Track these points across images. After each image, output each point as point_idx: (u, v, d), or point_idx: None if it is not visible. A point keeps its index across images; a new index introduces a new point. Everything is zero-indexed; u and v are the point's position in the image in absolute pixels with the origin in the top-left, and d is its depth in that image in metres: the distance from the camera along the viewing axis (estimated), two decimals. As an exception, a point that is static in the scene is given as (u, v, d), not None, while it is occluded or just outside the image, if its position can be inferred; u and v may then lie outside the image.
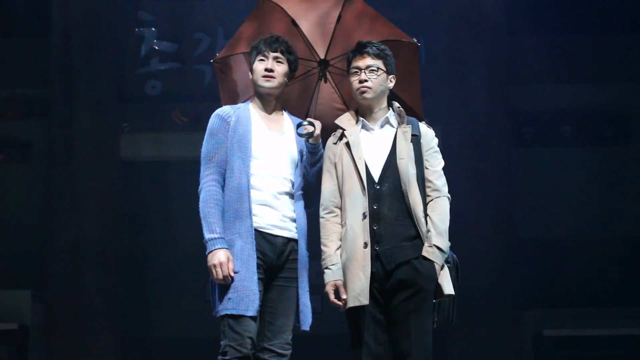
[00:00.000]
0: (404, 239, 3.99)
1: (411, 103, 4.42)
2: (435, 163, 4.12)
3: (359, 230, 3.99)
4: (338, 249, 4.06)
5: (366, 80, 4.09)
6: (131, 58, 9.99)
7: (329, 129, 4.22)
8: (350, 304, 3.97)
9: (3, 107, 10.13)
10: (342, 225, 4.07)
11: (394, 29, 4.47)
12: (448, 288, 4.03)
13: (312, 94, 4.43)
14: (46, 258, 9.48)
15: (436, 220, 4.02)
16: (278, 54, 4.17)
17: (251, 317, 3.95)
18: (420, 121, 4.26)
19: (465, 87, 9.54)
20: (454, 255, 4.14)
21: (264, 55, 4.17)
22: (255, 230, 4.03)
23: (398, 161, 4.03)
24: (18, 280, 9.57)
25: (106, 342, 9.23)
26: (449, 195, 4.11)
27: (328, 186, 4.13)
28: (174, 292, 9.84)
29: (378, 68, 4.11)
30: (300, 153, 4.21)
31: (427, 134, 4.16)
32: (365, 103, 4.14)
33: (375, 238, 3.97)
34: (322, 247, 4.08)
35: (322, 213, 4.12)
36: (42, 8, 9.84)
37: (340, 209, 4.09)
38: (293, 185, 4.18)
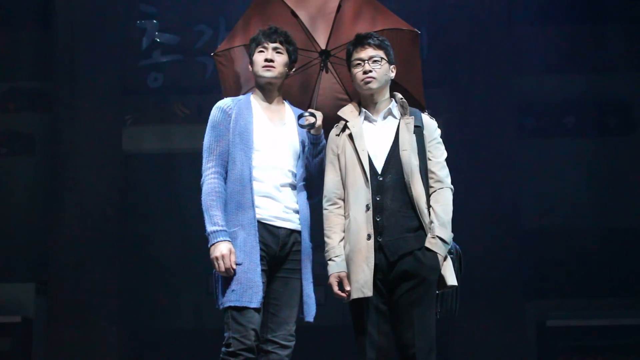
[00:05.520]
0: (407, 230, 3.98)
1: (412, 90, 4.42)
2: (438, 154, 4.12)
3: (362, 222, 3.98)
4: (341, 240, 4.06)
5: (371, 71, 4.09)
6: (133, 50, 9.97)
7: (332, 119, 4.22)
8: (354, 295, 3.97)
9: (6, 100, 10.11)
10: (345, 217, 4.07)
11: (394, 18, 4.46)
12: (451, 279, 4.03)
13: (314, 84, 4.43)
14: (49, 251, 9.47)
15: (439, 211, 4.01)
16: (277, 44, 4.17)
17: (255, 309, 3.95)
18: (423, 110, 4.27)
19: (467, 78, 9.51)
20: (457, 247, 4.14)
21: (264, 47, 4.17)
22: (258, 222, 4.03)
23: (401, 152, 4.03)
24: (21, 273, 9.57)
25: (110, 335, 9.23)
26: (451, 187, 4.11)
27: (331, 178, 4.13)
28: (177, 285, 9.84)
29: (381, 58, 4.11)
30: (302, 144, 4.21)
31: (430, 125, 4.16)
32: (369, 93, 4.13)
33: (379, 230, 3.97)
34: (326, 239, 4.09)
35: (325, 205, 4.13)
36: (45, 1, 9.83)
37: (344, 200, 4.09)
38: (295, 176, 4.18)
